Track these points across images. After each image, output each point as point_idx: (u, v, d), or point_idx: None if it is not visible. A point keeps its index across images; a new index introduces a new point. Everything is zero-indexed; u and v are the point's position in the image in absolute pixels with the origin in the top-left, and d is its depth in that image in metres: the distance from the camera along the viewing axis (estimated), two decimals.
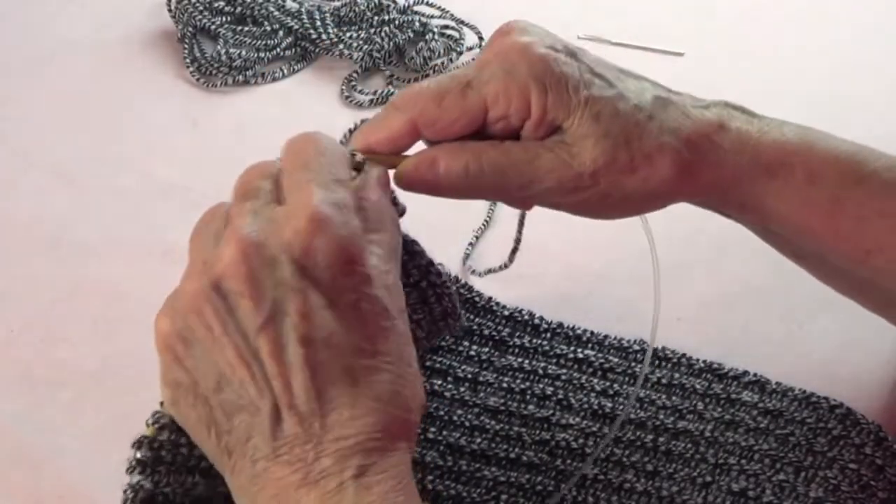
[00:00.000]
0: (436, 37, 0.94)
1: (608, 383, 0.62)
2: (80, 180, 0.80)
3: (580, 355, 0.64)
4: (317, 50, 0.94)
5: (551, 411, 0.61)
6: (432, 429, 0.59)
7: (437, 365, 0.62)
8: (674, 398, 0.61)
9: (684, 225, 0.64)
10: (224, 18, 0.95)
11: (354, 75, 0.91)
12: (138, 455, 0.49)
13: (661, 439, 0.59)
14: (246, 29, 0.95)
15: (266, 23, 0.95)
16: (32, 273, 0.72)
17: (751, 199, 0.52)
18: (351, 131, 0.51)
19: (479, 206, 0.75)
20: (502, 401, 0.61)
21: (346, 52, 0.92)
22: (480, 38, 0.96)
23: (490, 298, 0.67)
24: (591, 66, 0.50)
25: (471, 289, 0.67)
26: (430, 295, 0.54)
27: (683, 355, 0.64)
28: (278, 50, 0.93)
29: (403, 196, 0.51)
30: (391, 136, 0.49)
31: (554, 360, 0.64)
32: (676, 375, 0.63)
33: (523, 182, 0.49)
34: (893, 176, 0.51)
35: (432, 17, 0.97)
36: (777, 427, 0.60)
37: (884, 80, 0.93)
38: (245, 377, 0.42)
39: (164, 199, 0.76)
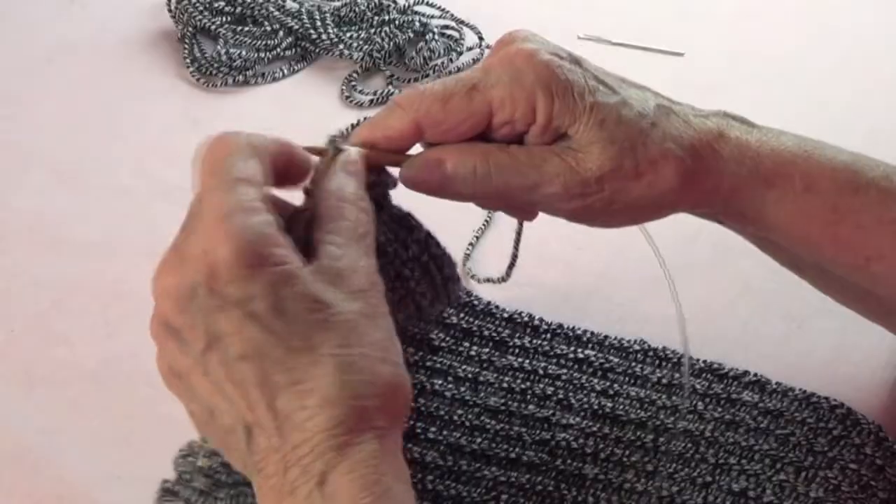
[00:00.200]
0: (436, 37, 0.94)
1: (608, 383, 0.62)
2: (80, 180, 0.80)
3: (580, 355, 0.64)
4: (317, 50, 0.94)
5: (551, 411, 0.61)
6: (433, 429, 0.59)
7: (438, 365, 0.62)
8: (674, 398, 0.61)
9: (684, 225, 0.64)
10: (224, 18, 0.95)
11: (354, 75, 0.91)
12: (197, 485, 0.53)
13: (661, 439, 0.59)
14: (246, 29, 0.95)
15: (266, 23, 0.95)
16: (32, 273, 0.72)
17: (750, 209, 0.52)
18: (353, 126, 0.50)
19: (478, 207, 0.75)
20: (503, 401, 0.61)
21: (346, 52, 0.92)
22: (480, 38, 0.96)
23: (489, 302, 0.67)
24: (594, 74, 0.50)
25: (469, 292, 0.67)
26: (432, 266, 0.54)
27: (684, 355, 0.64)
28: (278, 50, 0.93)
29: (404, 198, 0.51)
30: (394, 134, 0.49)
31: (554, 360, 0.64)
32: (677, 375, 0.63)
33: (530, 185, 0.49)
34: (892, 185, 0.52)
35: (432, 17, 0.97)
36: (777, 427, 0.60)
37: (884, 79, 0.93)
38: (219, 403, 0.43)
39: (164, 199, 0.76)
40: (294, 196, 0.48)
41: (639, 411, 0.61)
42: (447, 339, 0.64)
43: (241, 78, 0.90)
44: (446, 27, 0.97)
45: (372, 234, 0.46)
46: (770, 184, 0.51)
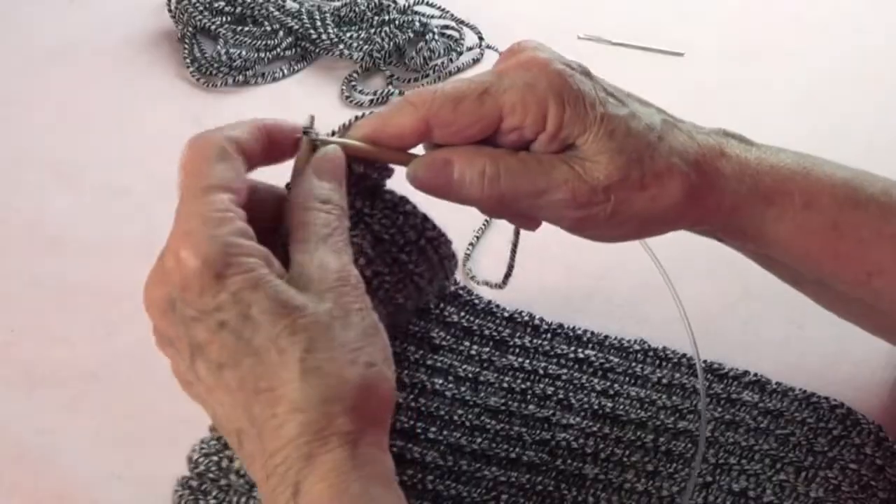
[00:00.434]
0: (436, 37, 0.94)
1: (608, 383, 0.62)
2: (80, 180, 0.80)
3: (580, 355, 0.64)
4: (317, 50, 0.94)
5: (552, 411, 0.61)
6: (433, 429, 0.59)
7: (439, 364, 0.62)
8: (674, 398, 0.61)
9: None
10: (224, 18, 0.95)
11: (354, 75, 0.91)
12: (228, 483, 0.54)
13: (662, 439, 0.59)
14: (246, 29, 0.95)
15: (266, 23, 0.95)
16: (32, 273, 0.72)
17: (751, 227, 0.53)
18: (344, 126, 0.50)
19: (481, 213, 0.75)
20: (503, 401, 0.61)
21: (346, 52, 0.92)
22: (480, 38, 0.96)
23: (490, 301, 0.67)
24: (604, 86, 0.51)
25: (470, 291, 0.67)
26: (429, 248, 0.54)
27: (684, 355, 0.64)
28: (278, 50, 0.93)
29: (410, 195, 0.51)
30: (401, 131, 0.49)
31: (554, 360, 0.64)
32: (677, 375, 0.63)
33: (538, 190, 0.49)
34: (891, 199, 0.52)
35: (432, 17, 0.97)
36: (777, 427, 0.60)
37: (884, 79, 0.93)
38: (216, 408, 0.44)
39: (164, 199, 0.76)
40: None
41: (639, 411, 0.61)
42: (448, 337, 0.64)
43: (241, 78, 0.91)
44: (446, 27, 0.97)
45: (341, 229, 0.46)
46: (770, 201, 0.52)
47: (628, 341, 0.65)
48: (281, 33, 0.94)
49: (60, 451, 0.60)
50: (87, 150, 0.83)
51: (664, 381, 0.62)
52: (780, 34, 0.99)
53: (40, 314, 0.69)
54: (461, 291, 0.67)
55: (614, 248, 0.67)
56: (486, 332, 0.65)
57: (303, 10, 0.95)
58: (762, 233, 0.53)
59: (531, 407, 0.61)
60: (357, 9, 0.95)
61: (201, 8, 0.95)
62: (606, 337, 0.65)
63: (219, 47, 0.92)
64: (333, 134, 0.50)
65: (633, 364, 0.64)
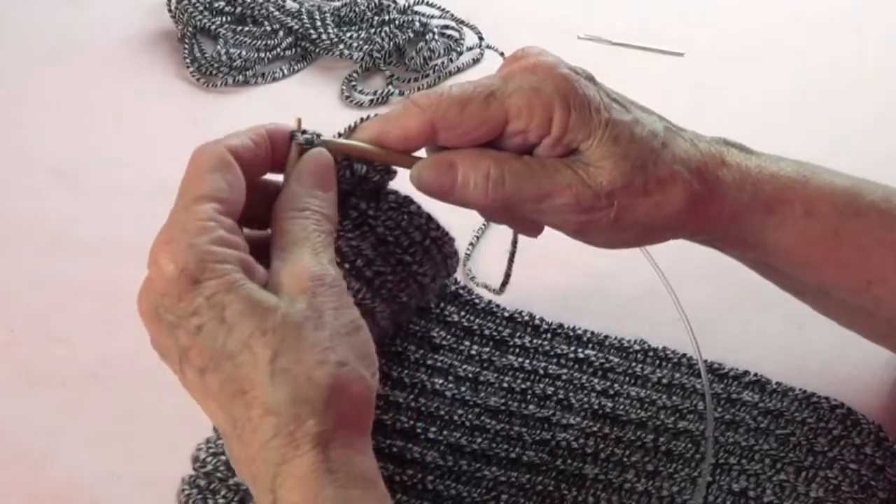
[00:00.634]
0: (436, 37, 0.94)
1: (608, 383, 0.62)
2: (80, 180, 0.80)
3: (580, 355, 0.64)
4: (317, 50, 0.94)
5: (552, 411, 0.61)
6: (433, 429, 0.59)
7: (439, 364, 0.62)
8: (674, 398, 0.61)
9: None
10: (224, 18, 0.95)
11: (354, 75, 0.91)
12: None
13: (662, 439, 0.59)
14: (246, 29, 0.95)
15: (266, 23, 0.95)
16: (32, 273, 0.72)
17: (751, 235, 0.53)
18: (350, 128, 0.50)
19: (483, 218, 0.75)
20: (503, 401, 0.61)
21: (346, 52, 0.92)
22: (480, 38, 0.96)
23: (490, 301, 0.67)
24: (608, 93, 0.51)
25: (470, 291, 0.67)
26: (433, 248, 0.54)
27: (684, 355, 0.64)
28: (278, 50, 0.93)
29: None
30: (407, 133, 0.49)
31: (554, 360, 0.64)
32: (677, 375, 0.63)
33: (541, 194, 0.49)
34: (891, 206, 0.52)
35: (432, 17, 0.97)
36: (777, 427, 0.60)
37: (884, 79, 0.93)
38: (207, 412, 0.45)
39: (164, 199, 0.76)
40: None
41: (639, 411, 0.61)
42: (448, 337, 0.64)
43: (241, 78, 0.91)
44: (446, 27, 0.97)
45: (319, 233, 0.46)
46: (770, 209, 0.52)
47: (628, 341, 0.65)
48: (281, 33, 0.94)
49: (60, 451, 0.60)
50: (87, 150, 0.83)
51: (664, 381, 0.62)
52: (780, 34, 0.99)
53: (40, 314, 0.69)
54: (461, 291, 0.67)
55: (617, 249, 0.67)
56: (486, 331, 0.65)
57: (303, 10, 0.95)
58: (762, 241, 0.53)
59: (531, 407, 0.61)
60: (357, 9, 0.95)
61: (201, 8, 0.95)
62: (606, 337, 0.65)
63: (219, 47, 0.92)
64: (339, 136, 0.50)
65: (633, 364, 0.64)
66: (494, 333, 0.65)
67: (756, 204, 0.52)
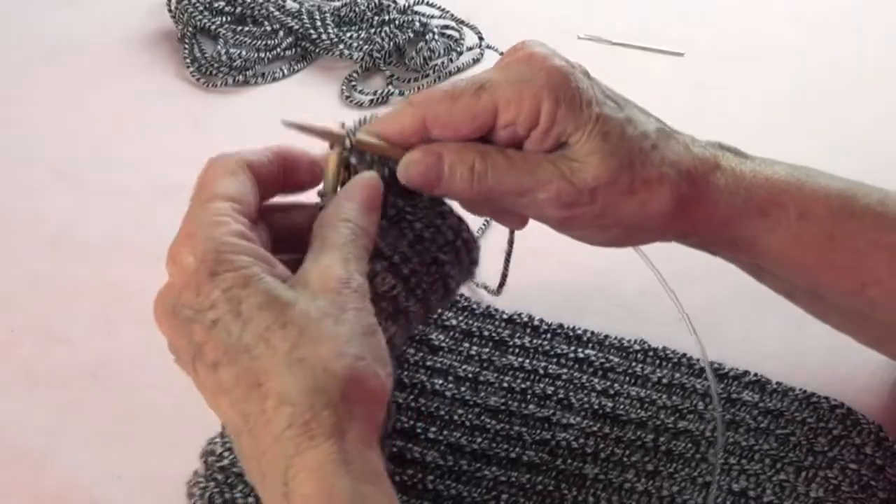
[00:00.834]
0: (436, 37, 0.94)
1: (609, 383, 0.62)
2: (80, 180, 0.80)
3: (580, 355, 0.64)
4: (317, 50, 0.94)
5: (552, 411, 0.61)
6: (433, 428, 0.59)
7: (438, 364, 0.62)
8: (674, 398, 0.61)
9: None
10: (224, 18, 0.95)
11: (354, 75, 0.91)
12: None
13: (662, 439, 0.59)
14: (246, 29, 0.95)
15: (266, 23, 0.95)
16: (32, 273, 0.72)
17: (742, 239, 0.53)
18: (361, 122, 0.51)
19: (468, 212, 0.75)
20: (503, 400, 0.61)
21: (346, 52, 0.92)
22: (480, 38, 0.96)
23: (489, 306, 0.67)
24: (603, 89, 0.51)
25: (468, 298, 0.67)
26: (463, 250, 0.54)
27: (684, 355, 0.64)
28: (278, 50, 0.93)
29: None
30: (402, 131, 0.49)
31: (554, 360, 0.64)
32: (677, 375, 0.63)
33: (523, 189, 0.49)
34: (886, 209, 0.52)
35: (432, 17, 0.97)
36: (777, 427, 0.60)
37: (884, 79, 0.93)
38: (218, 409, 0.44)
39: (164, 199, 0.76)
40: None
41: (639, 411, 0.61)
42: (447, 339, 0.64)
43: (241, 78, 0.90)
44: (446, 27, 0.97)
45: (356, 245, 0.46)
46: (764, 213, 0.52)
47: (628, 341, 0.65)
48: (281, 33, 0.94)
49: (60, 451, 0.60)
50: (87, 150, 0.83)
51: (664, 380, 0.62)
52: (780, 34, 0.99)
53: (40, 314, 0.69)
54: (459, 297, 0.67)
55: (614, 248, 0.67)
56: (486, 332, 0.65)
57: (303, 10, 0.95)
58: (756, 244, 0.53)
59: (531, 407, 0.61)
60: (357, 9, 0.95)
61: (201, 8, 0.95)
62: (606, 337, 0.65)
63: (219, 47, 0.92)
64: (354, 130, 0.50)
65: (634, 364, 0.64)
66: (494, 334, 0.65)
67: (750, 207, 0.52)
